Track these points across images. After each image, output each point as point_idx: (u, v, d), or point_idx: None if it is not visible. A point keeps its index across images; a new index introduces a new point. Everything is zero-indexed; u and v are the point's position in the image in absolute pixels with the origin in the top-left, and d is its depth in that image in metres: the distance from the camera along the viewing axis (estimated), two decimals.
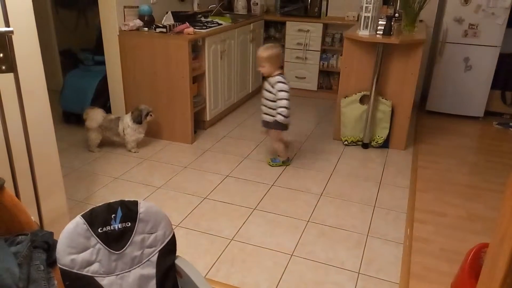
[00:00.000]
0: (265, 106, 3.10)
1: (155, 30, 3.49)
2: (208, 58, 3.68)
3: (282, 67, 3.01)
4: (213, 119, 4.04)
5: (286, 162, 3.31)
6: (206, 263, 2.21)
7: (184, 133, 3.61)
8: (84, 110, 3.38)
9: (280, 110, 2.99)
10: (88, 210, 1.31)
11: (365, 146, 3.66)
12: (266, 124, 3.17)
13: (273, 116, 3.05)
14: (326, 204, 2.79)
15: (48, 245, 1.39)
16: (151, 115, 3.36)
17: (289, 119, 3.06)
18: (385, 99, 3.51)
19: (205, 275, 2.12)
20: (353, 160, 3.44)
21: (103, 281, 1.31)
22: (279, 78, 2.99)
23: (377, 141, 3.63)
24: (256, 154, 3.49)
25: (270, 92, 3.03)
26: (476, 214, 2.73)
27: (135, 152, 3.43)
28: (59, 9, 4.72)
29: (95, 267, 1.30)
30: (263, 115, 3.15)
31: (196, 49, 3.61)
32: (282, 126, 3.10)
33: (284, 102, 2.97)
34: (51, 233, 1.44)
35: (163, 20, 3.71)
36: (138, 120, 3.30)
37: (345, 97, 3.61)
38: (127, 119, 3.33)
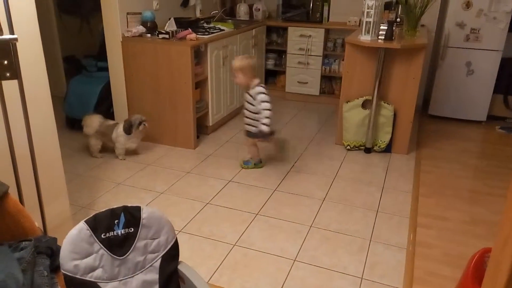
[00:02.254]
0: (249, 118, 3.11)
1: (158, 36, 3.51)
2: (210, 64, 3.70)
3: (257, 77, 3.09)
4: (215, 124, 4.05)
5: (258, 165, 3.35)
6: (208, 269, 2.21)
7: (186, 138, 3.62)
8: (83, 117, 3.39)
9: (264, 121, 2.95)
10: (91, 215, 1.32)
11: (368, 150, 3.66)
12: (250, 134, 3.17)
13: (257, 127, 3.04)
14: (329, 209, 2.79)
15: (51, 251, 1.39)
16: (144, 124, 3.32)
17: (272, 127, 3.02)
18: (387, 103, 3.51)
19: (208, 281, 2.12)
20: (356, 165, 3.44)
21: (106, 286, 1.32)
22: (259, 89, 2.99)
23: (380, 146, 3.63)
24: None
25: (251, 104, 3.04)
26: (479, 218, 2.72)
27: (122, 159, 3.41)
28: (63, 15, 4.76)
29: (98, 272, 1.31)
30: (247, 126, 3.16)
31: (198, 55, 3.63)
32: (267, 136, 3.06)
33: (267, 113, 2.96)
34: (55, 239, 1.45)
35: (166, 26, 3.73)
36: (128, 132, 3.28)
37: (347, 102, 3.62)
38: (120, 128, 3.31)
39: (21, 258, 1.28)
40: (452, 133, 4.17)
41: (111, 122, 3.42)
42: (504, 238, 0.93)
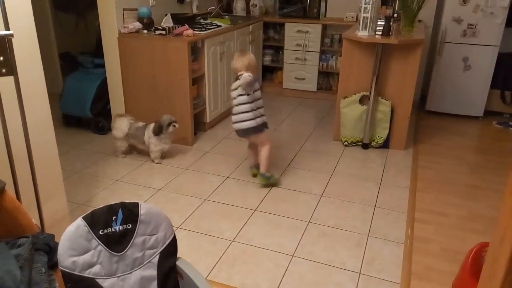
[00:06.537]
0: (246, 112, 2.80)
1: (154, 32, 3.50)
2: (207, 60, 3.69)
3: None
4: (213, 121, 4.04)
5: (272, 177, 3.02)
6: (207, 265, 2.21)
7: (184, 135, 3.62)
8: (112, 118, 3.34)
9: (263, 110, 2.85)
10: (89, 212, 1.31)
11: (365, 146, 3.66)
12: (255, 129, 2.84)
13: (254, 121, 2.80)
14: (327, 205, 2.79)
15: (49, 248, 1.39)
16: (174, 125, 3.21)
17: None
18: (385, 99, 3.52)
19: (206, 277, 2.12)
20: (353, 161, 3.45)
21: (105, 283, 1.31)
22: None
23: (377, 142, 3.63)
24: None
25: (242, 95, 2.78)
26: (476, 213, 2.73)
27: (158, 163, 3.31)
28: (59, 12, 4.73)
29: (96, 269, 1.30)
30: (242, 123, 2.83)
31: (195, 51, 3.62)
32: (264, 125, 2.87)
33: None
34: (52, 236, 1.44)
35: (163, 22, 3.71)
36: (157, 133, 3.18)
37: (344, 98, 3.62)
38: (151, 130, 3.22)
39: (18, 255, 1.28)
40: (449, 129, 4.18)
41: (140, 124, 3.31)
42: (501, 233, 0.94)
